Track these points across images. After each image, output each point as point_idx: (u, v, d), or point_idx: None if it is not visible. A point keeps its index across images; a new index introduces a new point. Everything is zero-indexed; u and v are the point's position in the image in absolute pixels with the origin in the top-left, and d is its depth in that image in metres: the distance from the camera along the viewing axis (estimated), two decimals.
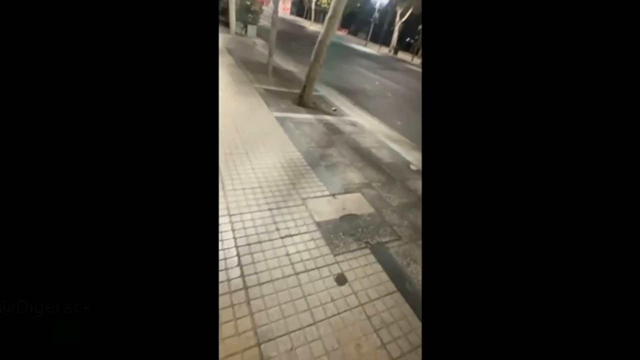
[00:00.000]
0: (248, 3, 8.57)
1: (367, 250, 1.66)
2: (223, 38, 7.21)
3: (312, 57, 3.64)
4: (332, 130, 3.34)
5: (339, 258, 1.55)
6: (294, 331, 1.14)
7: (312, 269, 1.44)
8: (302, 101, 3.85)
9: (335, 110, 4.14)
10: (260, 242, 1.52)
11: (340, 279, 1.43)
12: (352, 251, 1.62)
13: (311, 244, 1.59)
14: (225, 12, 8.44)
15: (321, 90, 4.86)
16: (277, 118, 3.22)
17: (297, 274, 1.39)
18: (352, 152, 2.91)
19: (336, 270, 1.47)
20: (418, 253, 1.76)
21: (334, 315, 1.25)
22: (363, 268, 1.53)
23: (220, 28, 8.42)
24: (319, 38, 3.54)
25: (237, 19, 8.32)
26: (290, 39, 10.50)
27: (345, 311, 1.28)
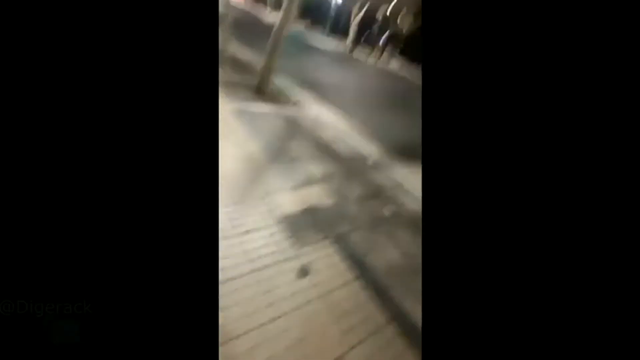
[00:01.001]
0: None
1: (328, 242, 1.69)
2: None
3: (269, 47, 3.52)
4: (292, 124, 3.30)
5: (302, 250, 1.55)
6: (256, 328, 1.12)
7: (273, 264, 1.42)
8: (261, 92, 3.72)
9: (295, 103, 4.09)
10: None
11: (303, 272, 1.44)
12: (314, 243, 1.63)
13: (271, 239, 1.56)
14: None
15: (280, 83, 4.75)
16: (234, 111, 3.06)
17: (257, 270, 1.36)
18: (313, 144, 2.92)
19: (298, 263, 1.47)
20: (377, 240, 1.85)
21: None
22: (325, 259, 1.55)
23: None
24: (275, 27, 3.44)
25: None
26: (248, 28, 10.01)
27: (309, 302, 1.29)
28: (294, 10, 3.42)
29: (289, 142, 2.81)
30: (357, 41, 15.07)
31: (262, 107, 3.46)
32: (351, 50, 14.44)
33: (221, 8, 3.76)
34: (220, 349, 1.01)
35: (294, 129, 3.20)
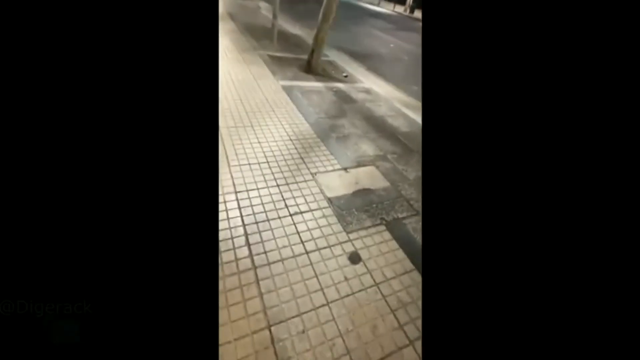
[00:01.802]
0: None
1: (382, 227, 1.55)
2: (224, 1, 6.70)
3: (320, 17, 3.29)
4: (344, 99, 3.10)
5: (352, 235, 1.46)
6: (306, 312, 1.09)
7: (324, 247, 1.36)
8: (310, 67, 3.57)
9: (346, 76, 3.83)
10: (268, 220, 1.44)
11: (354, 257, 1.35)
12: (366, 228, 1.52)
13: (322, 221, 1.50)
14: None
15: (331, 55, 4.50)
16: (284, 87, 3.01)
17: (308, 252, 1.32)
18: (365, 121, 2.70)
19: (349, 248, 1.39)
20: None
21: (348, 295, 1.18)
22: (378, 246, 1.43)
23: None
24: None
25: None
26: (297, 1, 9.69)
27: (359, 291, 1.21)
28: None
29: (340, 119, 2.65)
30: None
31: (312, 82, 3.32)
32: (412, 10, 12.81)
33: None
34: (268, 331, 1.01)
35: (346, 104, 3.00)
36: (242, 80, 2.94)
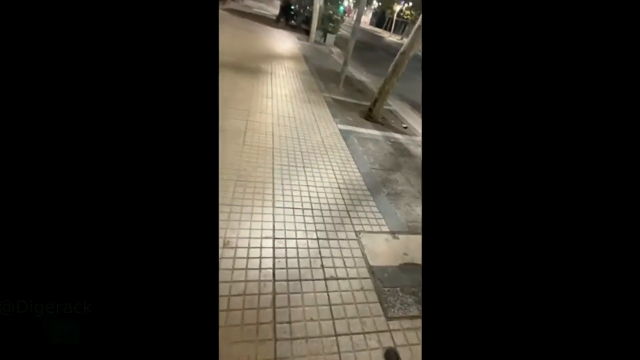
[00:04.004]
0: (331, 12, 8.74)
1: None
2: (302, 45, 7.46)
3: (391, 69, 3.34)
4: (400, 151, 2.97)
5: (393, 324, 1.22)
6: None
7: (357, 333, 1.15)
8: (371, 115, 3.58)
9: (406, 127, 3.74)
10: (300, 281, 1.30)
11: (391, 356, 1.10)
12: (411, 318, 1.26)
13: (360, 296, 1.30)
14: (308, 21, 8.77)
15: (393, 104, 4.50)
16: (342, 131, 3.02)
17: (337, 335, 1.12)
18: (421, 180, 2.50)
19: (387, 341, 1.15)
20: None
21: None
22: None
23: (301, 36, 8.79)
24: (402, 49, 3.22)
25: (318, 28, 8.54)
26: (367, 49, 10.34)
27: None
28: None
29: (394, 174, 2.50)
30: None
31: (370, 130, 3.29)
32: None
33: (349, 30, 3.86)
34: None
35: (402, 157, 2.85)
36: (303, 120, 3.05)
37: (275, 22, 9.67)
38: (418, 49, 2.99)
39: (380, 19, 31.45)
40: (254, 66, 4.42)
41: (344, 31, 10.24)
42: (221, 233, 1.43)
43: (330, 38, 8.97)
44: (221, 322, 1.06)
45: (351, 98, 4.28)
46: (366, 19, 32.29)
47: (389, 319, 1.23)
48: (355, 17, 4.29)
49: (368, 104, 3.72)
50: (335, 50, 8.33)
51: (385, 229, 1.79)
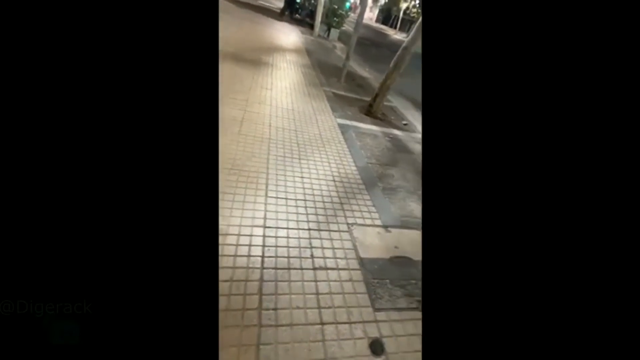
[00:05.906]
0: (335, 7, 8.64)
1: (419, 313, 1.27)
2: (305, 39, 7.39)
3: (392, 64, 3.30)
4: (398, 147, 2.95)
5: (380, 315, 1.21)
6: None
7: (343, 322, 1.14)
8: (371, 110, 3.55)
9: (406, 124, 3.71)
10: (289, 269, 1.29)
11: (376, 347, 1.10)
12: (399, 310, 1.26)
13: (348, 286, 1.30)
14: (313, 14, 8.68)
15: (394, 101, 4.47)
16: (340, 125, 3.00)
17: (323, 323, 1.12)
18: (417, 176, 2.49)
19: (373, 332, 1.15)
20: None
21: None
22: (409, 338, 1.16)
23: (305, 30, 8.71)
24: (404, 44, 3.19)
25: (322, 22, 8.46)
26: (371, 46, 10.25)
27: None
28: None
29: (391, 169, 2.49)
30: None
31: (369, 125, 3.27)
32: None
33: (353, 25, 3.82)
34: None
35: (400, 153, 2.84)
36: (302, 112, 3.02)
37: (279, 15, 9.58)
38: (420, 45, 2.97)
39: (387, 16, 31.16)
40: (256, 57, 4.38)
41: (348, 27, 10.14)
42: None
43: (334, 33, 8.88)
44: None
45: (352, 93, 4.24)
46: (372, 15, 32.00)
47: (376, 310, 1.23)
48: (359, 12, 4.23)
49: (369, 99, 3.69)
50: (339, 45, 8.26)
51: (378, 222, 1.78)
